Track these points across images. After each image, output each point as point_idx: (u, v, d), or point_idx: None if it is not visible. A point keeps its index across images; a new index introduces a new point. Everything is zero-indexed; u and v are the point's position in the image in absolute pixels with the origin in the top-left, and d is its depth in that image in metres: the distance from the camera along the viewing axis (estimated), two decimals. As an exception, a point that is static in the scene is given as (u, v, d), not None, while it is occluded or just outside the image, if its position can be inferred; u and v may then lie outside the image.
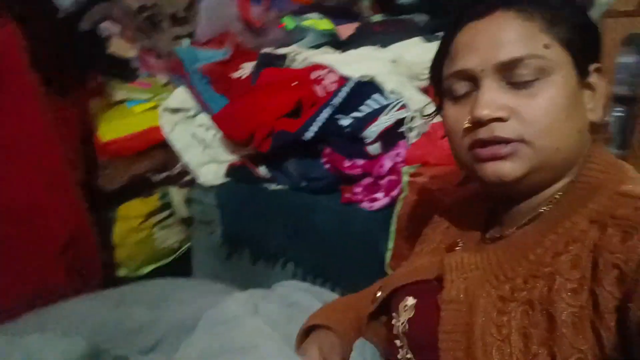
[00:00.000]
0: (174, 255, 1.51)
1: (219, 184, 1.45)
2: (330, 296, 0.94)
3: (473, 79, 0.54)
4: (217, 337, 0.69)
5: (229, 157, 1.47)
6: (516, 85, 0.52)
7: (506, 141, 0.52)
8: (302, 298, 0.88)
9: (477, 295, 0.52)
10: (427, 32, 1.62)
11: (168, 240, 1.49)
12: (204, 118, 1.47)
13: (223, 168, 1.46)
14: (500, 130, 0.52)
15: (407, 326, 0.59)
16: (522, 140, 0.52)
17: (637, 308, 0.41)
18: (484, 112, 0.52)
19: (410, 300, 0.61)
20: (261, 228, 1.41)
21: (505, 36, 0.52)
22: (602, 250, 0.45)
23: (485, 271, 0.55)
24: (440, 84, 0.60)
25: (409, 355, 0.59)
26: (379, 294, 0.68)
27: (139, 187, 1.48)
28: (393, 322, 0.62)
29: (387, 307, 0.67)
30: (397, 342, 0.61)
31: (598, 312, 0.44)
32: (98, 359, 0.67)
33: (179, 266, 1.51)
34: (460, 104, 0.57)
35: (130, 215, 1.45)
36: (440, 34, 1.53)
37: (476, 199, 0.70)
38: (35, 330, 0.69)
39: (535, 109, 0.51)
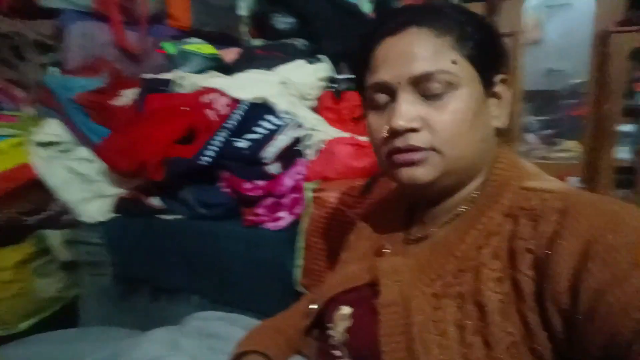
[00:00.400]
0: (59, 305, 1.34)
1: (107, 221, 1.34)
2: (248, 321, 0.91)
3: (390, 91, 0.58)
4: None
5: (115, 191, 1.37)
6: (428, 97, 0.56)
7: (419, 149, 0.56)
8: (220, 327, 0.85)
9: (412, 296, 0.55)
10: (307, 55, 1.68)
11: (50, 289, 1.32)
12: (83, 151, 1.35)
13: (109, 203, 1.35)
14: (414, 139, 0.56)
15: (347, 335, 0.60)
16: (432, 149, 0.56)
17: (550, 286, 0.46)
18: (400, 123, 0.56)
19: (346, 309, 0.62)
20: (159, 263, 1.33)
21: (418, 52, 0.56)
22: (516, 239, 0.51)
23: (416, 271, 0.58)
24: (364, 93, 0.63)
25: None
26: (313, 306, 0.68)
27: (10, 233, 1.30)
28: (330, 332, 0.62)
29: (320, 319, 0.66)
30: (336, 353, 0.61)
31: (521, 296, 0.48)
32: None
33: (65, 316, 1.35)
34: (380, 114, 0.60)
35: (2, 265, 1.26)
36: (321, 56, 1.62)
37: (394, 203, 0.74)
38: None
39: (443, 120, 0.56)
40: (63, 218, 1.34)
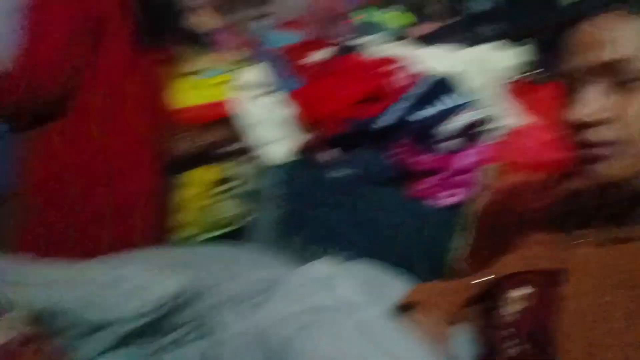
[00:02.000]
0: (229, 228, 1.51)
1: (286, 163, 1.45)
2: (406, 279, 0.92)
3: (581, 78, 0.54)
4: (314, 296, 0.67)
5: (299, 137, 1.47)
6: (619, 85, 0.52)
7: (611, 143, 0.52)
8: (379, 274, 0.86)
9: (606, 294, 0.51)
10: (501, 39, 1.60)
11: (227, 211, 1.49)
12: (278, 96, 1.48)
13: (292, 147, 1.46)
14: (604, 132, 0.52)
15: (518, 317, 0.58)
16: (626, 142, 0.52)
17: None
18: (587, 114, 0.52)
19: (524, 290, 0.60)
20: (321, 213, 1.41)
21: (615, 35, 0.52)
22: None
23: (615, 272, 0.53)
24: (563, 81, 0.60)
25: (519, 347, 0.57)
26: (485, 277, 0.67)
27: (205, 157, 1.49)
28: (500, 311, 0.61)
29: (486, 296, 0.65)
30: (503, 333, 0.59)
31: None
32: (198, 301, 0.68)
33: (229, 239, 1.51)
34: (573, 102, 0.56)
35: (195, 182, 1.46)
36: (525, 41, 1.53)
37: (585, 197, 0.69)
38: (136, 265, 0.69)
39: (637, 110, 0.51)
40: (251, 152, 1.48)
